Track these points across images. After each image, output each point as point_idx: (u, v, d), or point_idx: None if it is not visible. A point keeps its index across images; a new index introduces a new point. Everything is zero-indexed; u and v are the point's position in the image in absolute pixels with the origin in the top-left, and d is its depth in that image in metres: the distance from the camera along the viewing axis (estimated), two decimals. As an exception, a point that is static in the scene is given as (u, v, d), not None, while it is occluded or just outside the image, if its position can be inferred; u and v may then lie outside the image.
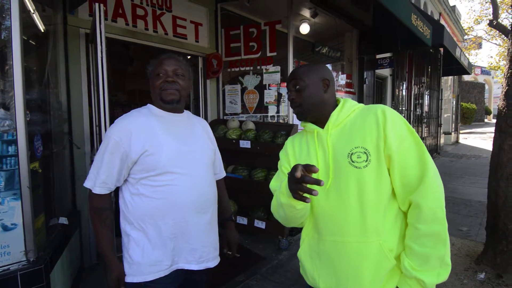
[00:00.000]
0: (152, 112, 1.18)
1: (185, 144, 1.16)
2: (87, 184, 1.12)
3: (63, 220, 2.05)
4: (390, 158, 0.90)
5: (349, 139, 0.96)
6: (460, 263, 2.58)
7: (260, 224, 2.99)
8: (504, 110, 2.48)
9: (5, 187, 1.41)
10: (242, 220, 3.07)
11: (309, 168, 0.78)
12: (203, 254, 1.17)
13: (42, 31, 2.09)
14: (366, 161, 0.91)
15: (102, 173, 1.09)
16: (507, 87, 2.48)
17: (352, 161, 0.92)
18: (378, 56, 5.11)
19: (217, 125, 3.26)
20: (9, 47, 1.40)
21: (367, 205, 0.91)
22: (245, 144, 3.01)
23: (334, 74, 4.48)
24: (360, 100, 4.88)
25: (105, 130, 1.97)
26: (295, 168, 0.80)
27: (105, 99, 1.93)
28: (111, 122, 1.99)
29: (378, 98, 5.71)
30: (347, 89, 4.76)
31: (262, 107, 3.62)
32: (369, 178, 0.91)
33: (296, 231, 3.46)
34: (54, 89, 2.25)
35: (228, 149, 3.10)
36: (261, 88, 3.55)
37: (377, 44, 4.69)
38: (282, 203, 0.94)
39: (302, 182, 0.78)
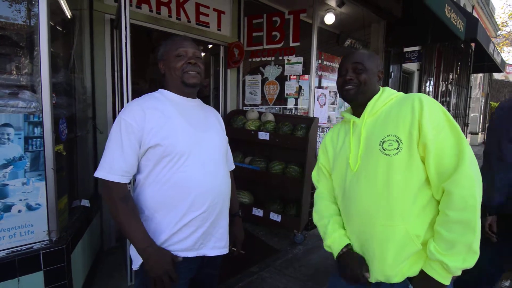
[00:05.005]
0: (166, 97, 1.12)
1: (200, 130, 1.11)
2: (102, 174, 1.00)
3: (85, 203, 2.10)
4: (426, 147, 0.91)
5: (383, 127, 1.00)
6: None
7: (275, 217, 2.96)
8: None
9: (31, 168, 1.44)
10: (258, 212, 3.05)
11: None
12: (223, 240, 1.16)
13: (69, 17, 2.12)
14: (397, 149, 0.94)
15: (121, 160, 1.00)
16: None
17: (383, 149, 0.96)
18: (405, 50, 4.88)
19: (236, 116, 3.23)
20: (37, 33, 1.41)
21: (394, 191, 0.94)
22: (263, 135, 2.97)
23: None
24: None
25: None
26: None
27: (128, 86, 1.93)
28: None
29: (404, 93, 5.49)
30: (371, 83, 4.60)
31: (282, 99, 3.55)
32: (398, 165, 0.94)
33: (311, 226, 3.42)
34: (79, 74, 2.28)
35: (246, 140, 3.07)
36: (282, 79, 3.48)
37: (405, 36, 4.47)
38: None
39: None
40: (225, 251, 1.16)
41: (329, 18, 3.95)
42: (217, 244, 1.13)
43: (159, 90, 1.17)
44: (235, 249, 1.33)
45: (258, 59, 3.50)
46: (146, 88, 5.82)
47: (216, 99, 3.51)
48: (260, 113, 3.23)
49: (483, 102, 12.14)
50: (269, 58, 3.45)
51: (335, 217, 1.13)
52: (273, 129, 3.03)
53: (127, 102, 1.95)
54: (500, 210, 1.49)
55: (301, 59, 3.35)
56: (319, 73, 3.62)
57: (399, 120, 0.96)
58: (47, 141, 1.47)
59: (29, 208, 1.46)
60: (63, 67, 2.05)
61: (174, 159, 1.02)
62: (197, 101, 1.21)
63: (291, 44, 3.31)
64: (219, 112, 2.57)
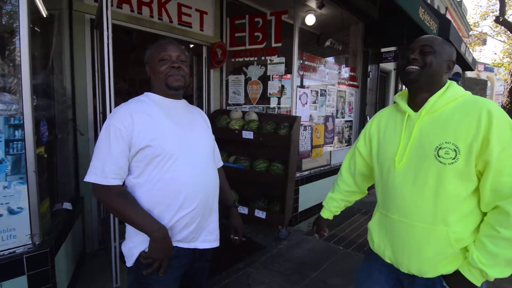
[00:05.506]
0: (152, 100, 1.15)
1: (187, 131, 1.15)
2: (93, 178, 1.02)
3: (67, 206, 2.07)
4: (488, 163, 0.89)
5: (442, 130, 0.95)
6: None
7: (260, 214, 3.02)
8: (508, 106, 2.48)
9: (12, 171, 1.42)
10: (243, 210, 3.10)
11: None
12: (214, 234, 1.21)
13: (45, 15, 2.07)
14: (454, 158, 0.91)
15: (112, 163, 1.02)
16: (511, 84, 2.47)
17: (439, 156, 0.93)
18: (382, 50, 5.06)
19: (220, 115, 3.26)
20: (17, 34, 1.39)
21: (442, 198, 0.94)
22: (247, 134, 3.02)
23: (338, 66, 4.45)
24: (363, 94, 4.86)
25: (110, 117, 1.97)
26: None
27: (110, 86, 1.92)
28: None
29: (381, 92, 5.68)
30: (351, 82, 4.73)
31: (265, 98, 3.60)
32: (451, 175, 0.92)
33: (296, 222, 3.50)
34: (58, 75, 2.24)
35: (230, 139, 3.10)
36: (264, 79, 3.53)
37: (382, 37, 4.63)
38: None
39: None
40: (215, 244, 1.21)
41: (310, 19, 4.04)
42: (207, 238, 1.18)
43: (145, 93, 1.19)
44: (236, 238, 1.39)
45: (241, 59, 3.54)
46: (125, 88, 5.72)
47: (199, 99, 3.52)
48: (244, 113, 3.27)
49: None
50: (252, 58, 3.50)
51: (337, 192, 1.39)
52: (256, 128, 3.08)
53: (110, 103, 1.94)
54: None
55: (283, 59, 3.41)
56: (301, 72, 3.70)
57: (461, 128, 0.91)
58: (28, 143, 1.45)
59: (11, 212, 1.43)
60: (42, 68, 2.01)
61: (164, 160, 1.05)
62: (183, 102, 1.24)
63: (273, 45, 3.36)
64: (203, 112, 2.60)
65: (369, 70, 4.84)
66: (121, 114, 1.06)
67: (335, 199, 1.40)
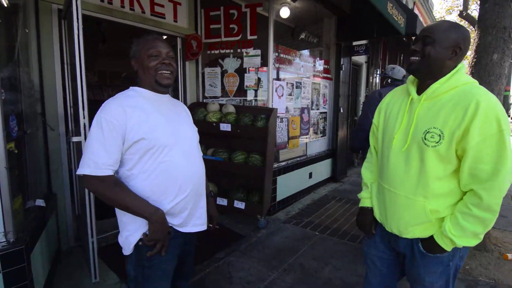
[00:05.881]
0: (141, 94, 1.18)
1: (176, 123, 1.21)
2: (88, 170, 1.04)
3: (40, 202, 2.02)
4: (466, 151, 0.98)
5: (434, 116, 1.05)
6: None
7: (239, 205, 3.08)
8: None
9: (-19, 168, 1.37)
10: (222, 201, 3.14)
11: None
12: (202, 218, 1.29)
13: (5, 5, 1.96)
14: (437, 142, 1.02)
15: (106, 156, 1.05)
16: (471, 75, 2.68)
17: (425, 139, 1.05)
18: (354, 43, 5.22)
19: (197, 108, 3.26)
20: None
21: (423, 175, 1.07)
22: (225, 127, 3.05)
23: (312, 59, 4.55)
24: (336, 86, 5.02)
25: (83, 111, 1.93)
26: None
27: (82, 79, 1.88)
28: (88, 103, 1.96)
29: (354, 84, 5.88)
30: (325, 75, 4.86)
31: (242, 91, 3.63)
32: (432, 156, 1.04)
33: (274, 211, 3.61)
34: (25, 68, 2.14)
35: (208, 132, 3.12)
36: (241, 71, 3.55)
37: (354, 31, 4.78)
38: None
39: None
40: (204, 227, 1.29)
41: (284, 12, 4.09)
42: (197, 222, 1.25)
43: (132, 88, 1.21)
44: (211, 225, 1.46)
45: (217, 52, 3.52)
46: (95, 81, 5.48)
47: (175, 91, 3.48)
48: (221, 105, 3.29)
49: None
50: (227, 51, 3.49)
51: (370, 184, 1.37)
52: (234, 120, 3.11)
53: (82, 96, 1.90)
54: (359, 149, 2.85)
55: (259, 51, 3.44)
56: (277, 65, 3.76)
57: (450, 116, 1.00)
58: (-3, 139, 1.40)
59: (-19, 209, 1.39)
60: (8, 60, 1.92)
61: (158, 150, 1.11)
62: (168, 96, 1.28)
63: (249, 37, 3.38)
64: (179, 105, 2.59)
65: (341, 63, 4.99)
66: (113, 108, 1.08)
67: (367, 184, 1.40)
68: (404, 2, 8.55)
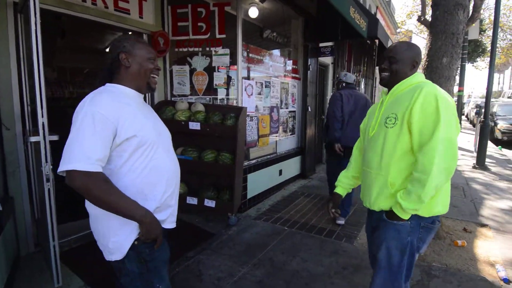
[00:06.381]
0: (123, 92, 1.17)
1: (155, 122, 1.24)
2: (80, 165, 0.97)
3: (-5, 207, 1.90)
4: (411, 126, 1.25)
5: (393, 106, 1.35)
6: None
7: (210, 203, 3.09)
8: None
9: None
10: (192, 201, 3.14)
11: None
12: (175, 215, 1.31)
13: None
14: (393, 124, 1.31)
15: (98, 149, 1.00)
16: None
17: (386, 123, 1.34)
18: (321, 45, 5.41)
19: (165, 107, 3.21)
20: None
21: (385, 152, 1.34)
22: (194, 125, 3.04)
23: (281, 59, 4.66)
24: (304, 86, 5.18)
25: (42, 109, 1.84)
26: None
27: (40, 76, 1.80)
28: (48, 101, 1.87)
29: (321, 84, 6.09)
30: (293, 75, 5.00)
31: (212, 90, 3.64)
32: (390, 135, 1.32)
33: (245, 208, 3.66)
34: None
35: (176, 131, 3.07)
36: (210, 70, 3.56)
37: (320, 33, 4.96)
38: None
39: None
40: (174, 224, 1.30)
41: (253, 12, 4.14)
42: (172, 219, 1.27)
43: (111, 85, 1.18)
44: None
45: (185, 49, 3.49)
46: (54, 78, 5.17)
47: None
48: (190, 104, 3.27)
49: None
50: (196, 49, 3.48)
51: (349, 170, 1.70)
52: (203, 119, 3.11)
53: (40, 94, 1.82)
54: (338, 141, 3.31)
55: (227, 50, 3.47)
56: (246, 64, 3.81)
57: (403, 104, 1.29)
58: None
59: None
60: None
61: (149, 148, 1.12)
62: (142, 96, 1.29)
63: (218, 36, 3.40)
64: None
65: (309, 63, 5.15)
66: (106, 102, 1.05)
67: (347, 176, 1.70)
68: (367, 7, 8.99)
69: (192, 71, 3.54)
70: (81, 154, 0.98)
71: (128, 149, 1.08)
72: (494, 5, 6.00)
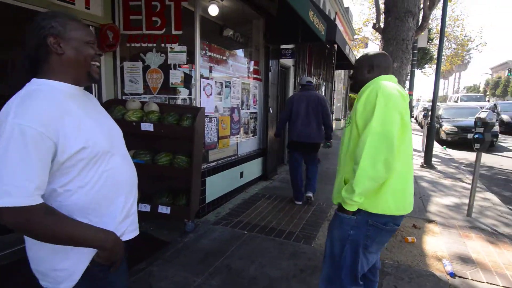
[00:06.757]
0: (58, 90, 0.91)
1: (105, 123, 1.02)
2: (8, 201, 0.76)
3: None
4: (357, 121, 1.37)
5: (354, 106, 1.46)
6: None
7: (164, 210, 2.91)
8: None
9: None
10: (145, 207, 2.92)
11: None
12: (135, 222, 1.13)
13: None
14: (349, 122, 1.48)
15: (34, 177, 0.79)
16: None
17: (347, 122, 1.52)
18: (282, 46, 5.43)
19: (114, 106, 2.96)
20: None
21: (343, 150, 1.50)
22: (147, 127, 2.83)
23: (242, 60, 4.58)
24: (265, 87, 5.16)
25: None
26: None
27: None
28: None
29: (282, 86, 6.12)
30: (255, 76, 4.95)
31: (167, 88, 3.44)
32: (346, 133, 1.49)
33: (203, 213, 3.51)
34: None
35: (127, 132, 2.83)
36: (166, 67, 3.36)
37: (281, 35, 4.96)
38: None
39: None
40: (137, 233, 1.11)
41: (213, 10, 4.01)
42: (132, 227, 1.08)
43: (40, 81, 0.91)
44: None
45: (138, 45, 3.26)
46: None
47: (87, 87, 3.11)
48: (143, 103, 3.05)
49: (344, 94, 14.78)
50: (150, 45, 3.27)
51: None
52: (157, 119, 2.92)
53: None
54: (278, 136, 4.32)
55: (184, 48, 3.30)
56: (205, 63, 3.67)
57: (356, 103, 1.42)
58: None
59: None
60: None
61: (101, 158, 0.93)
62: (82, 89, 1.03)
63: (174, 32, 3.22)
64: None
65: (270, 64, 5.14)
66: (38, 111, 0.81)
67: None
68: (327, 12, 9.30)
69: (145, 68, 3.32)
70: (12, 185, 0.77)
71: (78, 164, 0.88)
72: (441, 16, 6.51)
